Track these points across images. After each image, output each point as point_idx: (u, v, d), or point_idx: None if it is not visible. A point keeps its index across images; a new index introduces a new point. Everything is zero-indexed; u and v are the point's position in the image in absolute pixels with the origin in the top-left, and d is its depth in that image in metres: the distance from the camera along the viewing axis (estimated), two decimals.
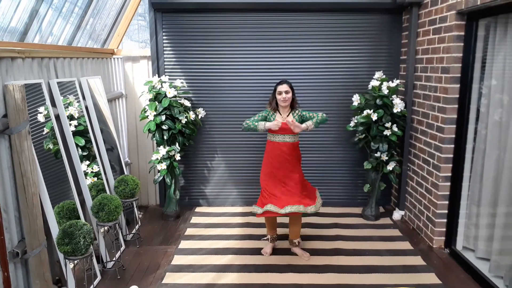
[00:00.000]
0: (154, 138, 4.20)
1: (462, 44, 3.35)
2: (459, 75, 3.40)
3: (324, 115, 3.41)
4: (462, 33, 3.34)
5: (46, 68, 2.98)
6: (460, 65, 3.38)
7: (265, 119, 3.42)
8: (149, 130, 4.09)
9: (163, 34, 4.44)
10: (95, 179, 3.41)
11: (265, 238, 3.72)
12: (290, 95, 3.35)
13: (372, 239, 3.86)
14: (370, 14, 4.40)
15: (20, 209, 2.44)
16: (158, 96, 4.12)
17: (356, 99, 4.17)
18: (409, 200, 4.27)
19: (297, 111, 3.45)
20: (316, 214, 4.43)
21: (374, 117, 3.98)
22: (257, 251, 3.58)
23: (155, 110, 4.05)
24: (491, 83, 3.23)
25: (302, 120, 3.42)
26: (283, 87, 3.35)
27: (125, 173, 4.15)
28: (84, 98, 3.50)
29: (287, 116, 3.40)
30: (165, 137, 4.14)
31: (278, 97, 3.37)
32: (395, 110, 3.99)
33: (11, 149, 2.39)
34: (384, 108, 4.04)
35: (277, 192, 3.34)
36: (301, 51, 4.48)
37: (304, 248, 3.59)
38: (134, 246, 3.76)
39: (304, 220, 4.18)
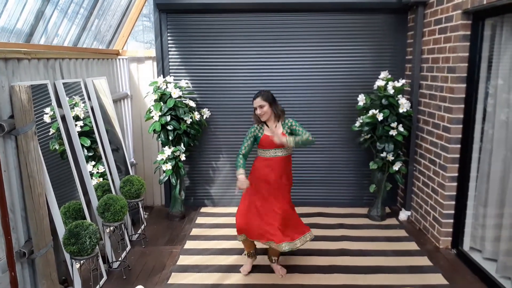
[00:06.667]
0: (159, 139, 4.21)
1: (468, 43, 3.33)
2: (465, 74, 3.38)
3: (310, 137, 3.06)
4: (468, 33, 3.32)
5: (52, 69, 2.99)
6: (466, 64, 3.36)
7: (254, 138, 3.18)
8: (154, 130, 4.10)
9: (168, 34, 4.45)
10: (101, 179, 3.42)
11: (244, 253, 3.46)
12: (265, 108, 3.07)
13: (378, 240, 3.84)
14: (375, 14, 4.38)
15: (27, 209, 2.45)
16: (163, 97, 4.13)
17: (361, 99, 4.16)
18: (415, 201, 4.24)
19: (287, 122, 3.17)
20: (321, 215, 4.44)
21: (380, 117, 3.96)
22: (262, 252, 3.56)
23: (160, 110, 4.06)
24: (497, 83, 3.21)
25: (291, 132, 3.16)
26: (256, 102, 3.11)
27: (131, 173, 4.16)
28: (89, 98, 3.51)
29: (275, 127, 3.14)
30: (170, 138, 4.15)
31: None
32: (400, 110, 3.97)
33: (17, 149, 2.40)
34: (389, 108, 4.02)
35: (253, 211, 3.14)
36: (307, 51, 4.47)
37: (309, 249, 3.58)
38: (140, 246, 3.77)
39: (309, 220, 4.17)
